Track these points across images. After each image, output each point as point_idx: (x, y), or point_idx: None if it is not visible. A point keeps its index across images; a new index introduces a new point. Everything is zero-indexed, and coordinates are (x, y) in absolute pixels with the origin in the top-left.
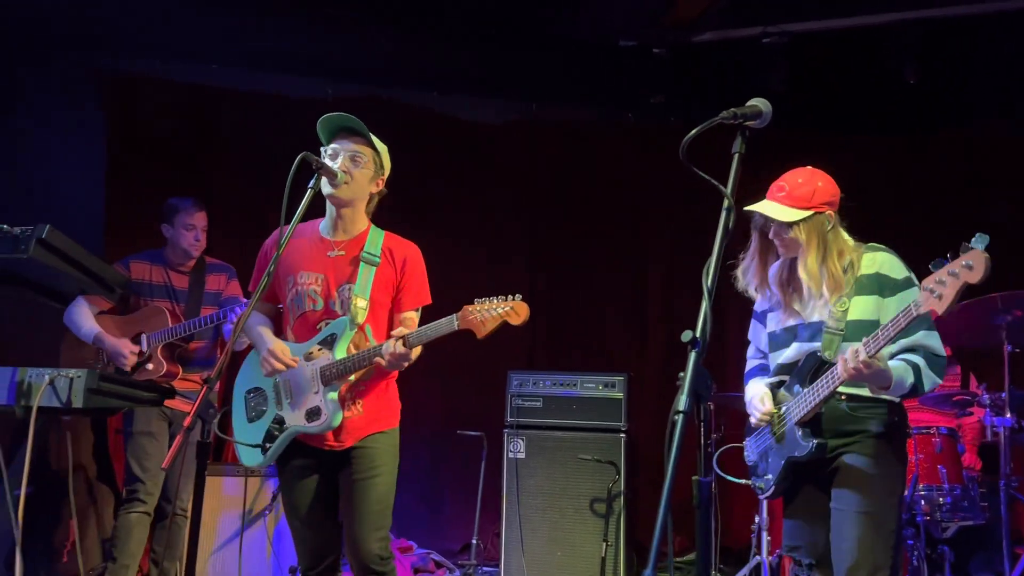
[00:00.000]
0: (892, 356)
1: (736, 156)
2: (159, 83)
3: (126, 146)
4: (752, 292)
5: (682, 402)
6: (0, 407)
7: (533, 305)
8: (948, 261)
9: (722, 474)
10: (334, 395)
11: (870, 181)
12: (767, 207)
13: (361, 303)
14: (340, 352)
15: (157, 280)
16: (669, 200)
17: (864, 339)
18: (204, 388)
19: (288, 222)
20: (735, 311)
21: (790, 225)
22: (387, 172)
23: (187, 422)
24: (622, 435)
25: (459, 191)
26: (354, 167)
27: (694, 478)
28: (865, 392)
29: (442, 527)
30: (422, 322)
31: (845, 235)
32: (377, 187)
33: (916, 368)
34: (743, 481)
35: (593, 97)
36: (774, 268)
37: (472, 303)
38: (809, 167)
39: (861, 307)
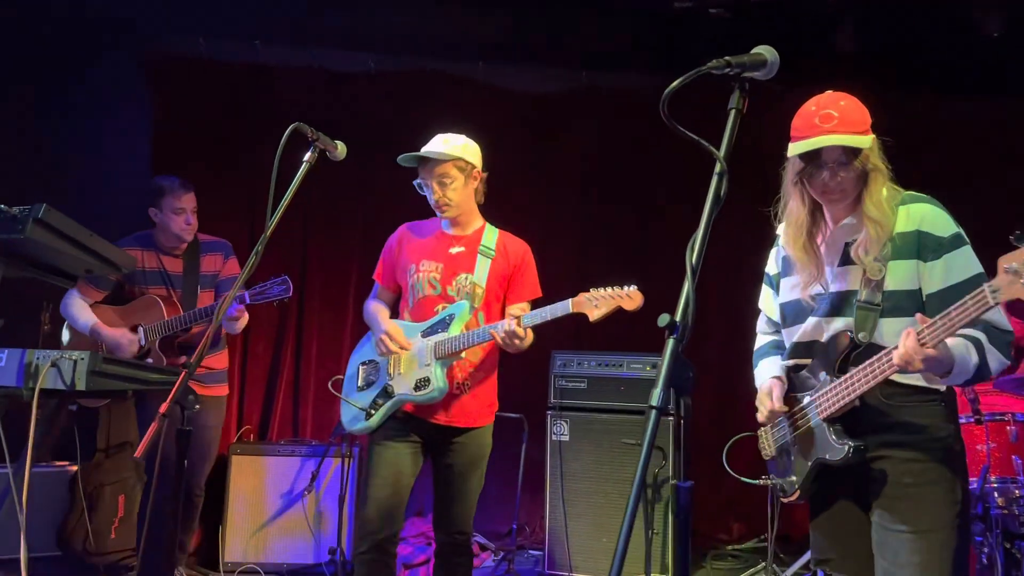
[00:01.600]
0: None
1: (733, 112)
2: (203, 62)
3: (172, 126)
4: (791, 248)
5: (656, 396)
6: (10, 389)
7: (585, 280)
8: None
9: (732, 472)
10: (443, 369)
11: (943, 145)
12: (835, 139)
13: (479, 290)
14: (455, 330)
15: (150, 266)
16: (730, 171)
17: (919, 327)
18: (183, 373)
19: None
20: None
21: (856, 154)
22: (478, 161)
23: (163, 408)
24: (671, 418)
25: (507, 165)
26: (444, 189)
27: (671, 481)
28: (908, 380)
29: (488, 509)
30: None
31: (887, 183)
32: (475, 180)
33: (978, 344)
34: (757, 481)
35: (647, 63)
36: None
37: (587, 291)
38: (840, 92)
39: (899, 274)
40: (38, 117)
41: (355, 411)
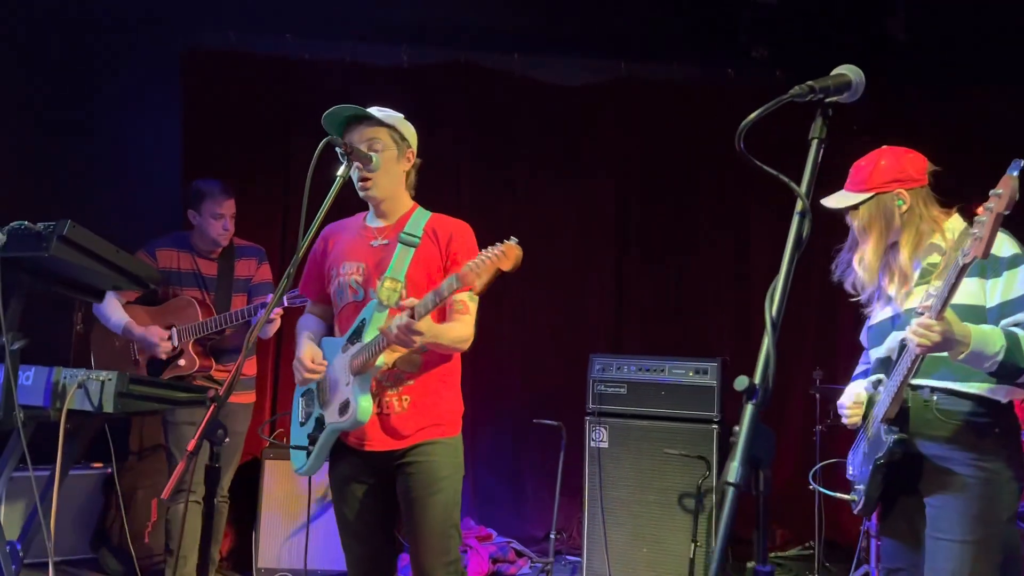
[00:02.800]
0: None
1: (815, 143)
2: (235, 56)
3: (203, 120)
4: (848, 287)
5: (733, 472)
6: (36, 409)
7: (623, 281)
8: None
9: (822, 489)
10: (364, 386)
11: (999, 137)
12: (831, 198)
13: (390, 284)
14: (368, 337)
15: (185, 268)
16: (776, 163)
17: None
18: (212, 407)
19: (312, 216)
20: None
21: (848, 211)
22: (413, 141)
23: (191, 446)
24: (715, 427)
25: (544, 158)
26: (377, 154)
27: (749, 565)
28: (959, 386)
29: (524, 514)
30: (503, 321)
31: (937, 211)
32: (408, 161)
33: (1013, 337)
34: (846, 496)
35: (688, 53)
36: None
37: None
38: (885, 147)
39: (962, 291)
40: (69, 112)
41: (296, 451)
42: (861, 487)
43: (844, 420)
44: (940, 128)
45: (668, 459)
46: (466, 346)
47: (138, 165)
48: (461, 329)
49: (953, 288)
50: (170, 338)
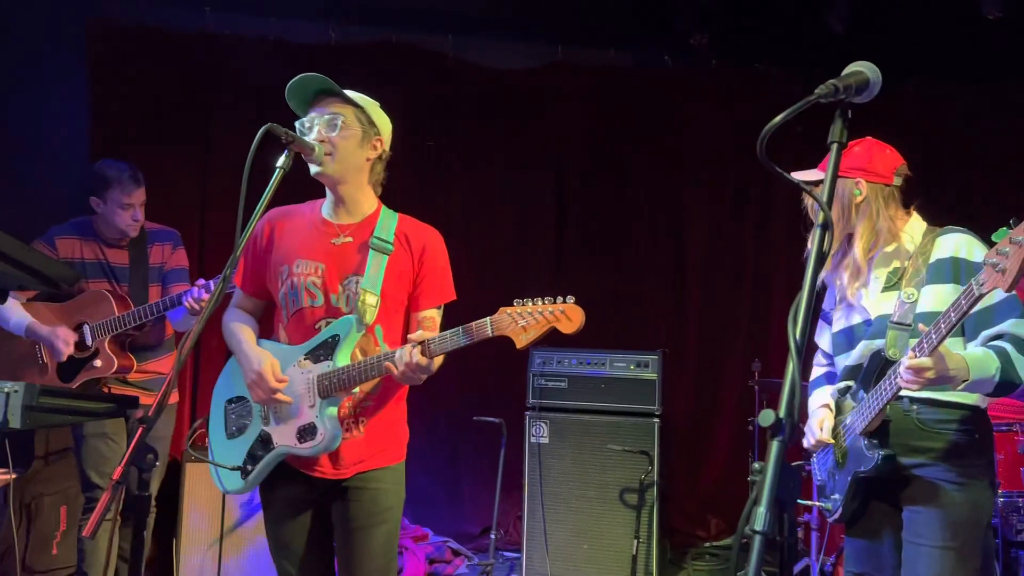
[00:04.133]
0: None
1: (835, 147)
2: (148, 29)
3: (113, 97)
4: (830, 278)
5: (760, 518)
6: None
7: (562, 274)
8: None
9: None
10: (333, 411)
11: (935, 131)
12: (800, 172)
13: (371, 299)
14: (343, 358)
15: (90, 258)
16: (712, 154)
17: (922, 336)
18: (140, 430)
19: (249, 210)
20: None
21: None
22: (384, 130)
23: (117, 474)
24: (656, 420)
25: (480, 145)
26: (332, 133)
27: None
28: (939, 395)
29: (461, 511)
30: (445, 320)
31: (898, 213)
32: (375, 150)
33: (1004, 354)
34: (813, 503)
35: (626, 39)
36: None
37: (512, 304)
38: (870, 137)
39: (934, 297)
40: None
41: (227, 470)
42: (838, 497)
43: (806, 443)
44: (878, 121)
45: (609, 454)
46: None
47: (39, 145)
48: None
49: (963, 317)
50: (81, 338)
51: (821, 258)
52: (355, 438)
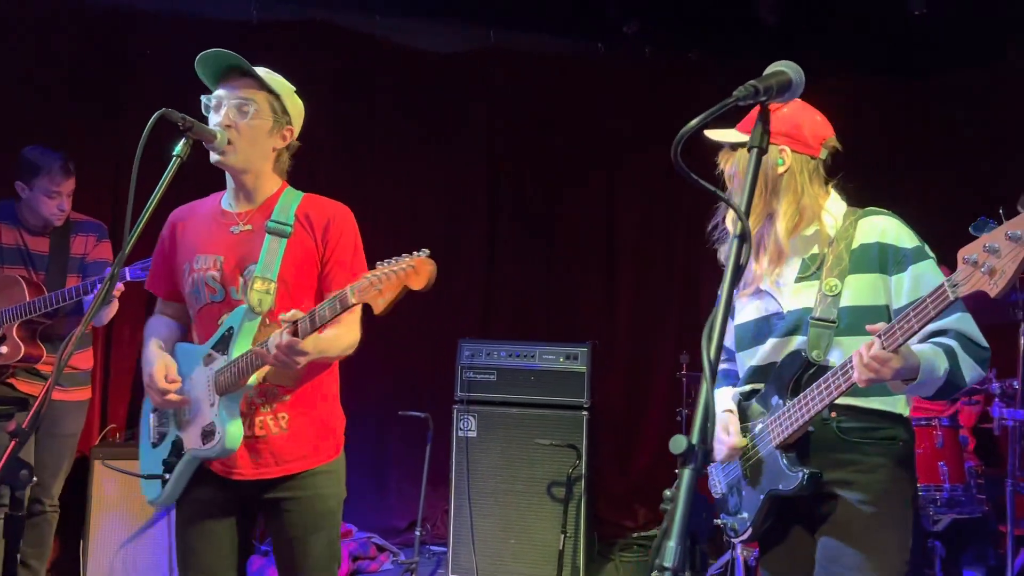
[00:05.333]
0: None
1: (755, 152)
2: (50, 3)
3: (12, 73)
4: (723, 257)
5: (670, 555)
6: None
7: (493, 264)
8: (992, 224)
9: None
10: (233, 408)
11: (861, 122)
12: (715, 131)
13: (261, 286)
14: (239, 350)
15: (7, 242)
16: (643, 144)
17: (879, 332)
18: (12, 444)
19: (142, 201)
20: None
21: (727, 153)
22: (296, 119)
23: None
24: (584, 413)
25: (407, 130)
26: (242, 119)
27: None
28: (863, 402)
29: (386, 506)
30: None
31: (820, 190)
32: (283, 140)
33: (951, 353)
34: (718, 522)
35: (558, 25)
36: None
37: (373, 267)
38: (801, 100)
39: (859, 289)
40: None
41: (148, 480)
42: (746, 516)
43: (716, 453)
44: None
45: (538, 447)
46: (352, 351)
47: None
48: (348, 335)
49: (928, 322)
50: None
51: (738, 271)
52: (277, 435)
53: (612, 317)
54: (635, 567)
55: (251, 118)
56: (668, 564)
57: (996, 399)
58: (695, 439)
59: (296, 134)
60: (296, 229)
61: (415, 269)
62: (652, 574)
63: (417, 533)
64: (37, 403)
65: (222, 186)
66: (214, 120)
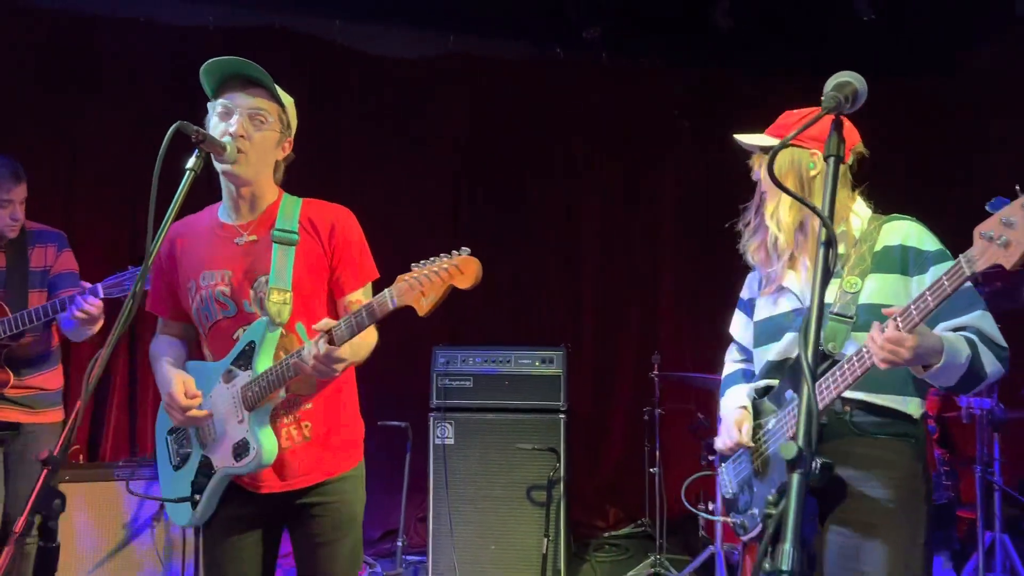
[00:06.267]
0: None
1: (832, 161)
2: (11, 7)
3: None
4: (751, 258)
5: (787, 558)
6: None
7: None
8: (1007, 202)
9: (694, 510)
10: (265, 421)
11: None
12: (747, 136)
13: (278, 296)
14: (263, 364)
15: None
16: (603, 147)
17: (895, 313)
18: (44, 472)
19: (160, 218)
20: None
21: (760, 158)
22: (294, 132)
23: (19, 526)
24: (562, 416)
25: (369, 137)
26: (255, 130)
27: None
28: (878, 400)
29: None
30: None
31: (848, 194)
32: (284, 151)
33: (971, 342)
34: (721, 519)
35: (518, 30)
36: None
37: (409, 270)
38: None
39: (879, 287)
40: None
41: (176, 504)
42: (756, 512)
43: (719, 443)
44: (760, 112)
45: (516, 452)
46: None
47: None
48: (371, 336)
49: (944, 299)
50: None
51: (827, 275)
52: (301, 444)
53: (577, 320)
54: (610, 567)
55: (264, 130)
56: (787, 568)
57: None
58: (800, 439)
59: (292, 146)
60: (302, 236)
61: (459, 268)
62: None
63: (399, 543)
64: (67, 429)
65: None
66: (219, 127)
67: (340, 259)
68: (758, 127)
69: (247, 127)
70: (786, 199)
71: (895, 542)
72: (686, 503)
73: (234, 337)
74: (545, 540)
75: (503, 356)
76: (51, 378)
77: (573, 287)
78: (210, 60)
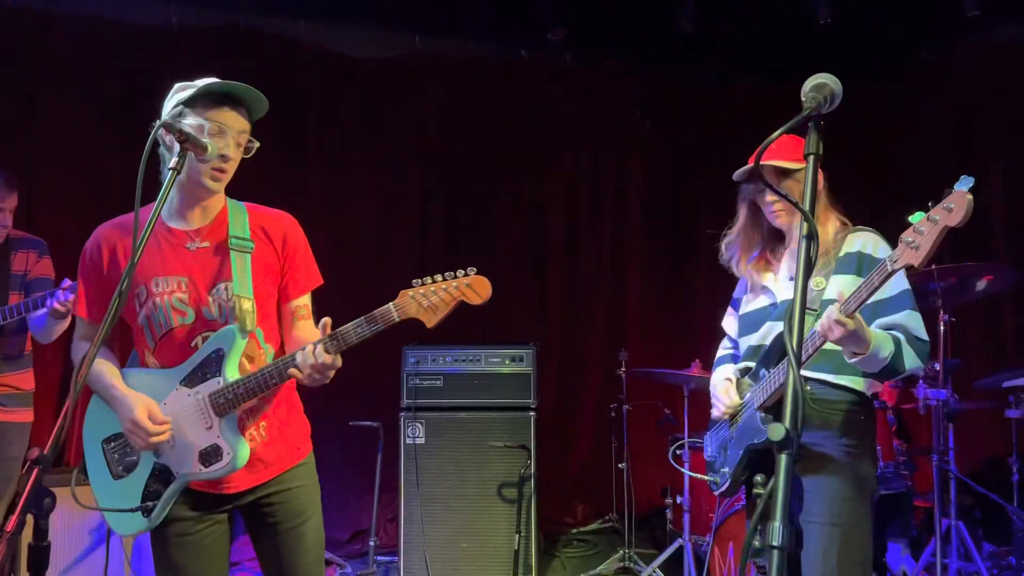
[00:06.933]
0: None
1: (811, 159)
2: None
3: None
4: (734, 267)
5: (777, 534)
6: None
7: (425, 269)
8: (923, 215)
9: (682, 469)
10: (235, 426)
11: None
12: (773, 161)
13: (247, 304)
14: (232, 371)
15: None
16: (565, 147)
17: (841, 300)
18: (35, 471)
19: (142, 220)
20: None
21: (788, 175)
22: None
23: (11, 524)
24: (532, 413)
25: (335, 137)
26: (238, 152)
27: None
28: (834, 379)
29: (328, 519)
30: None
31: (826, 205)
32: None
33: (897, 342)
34: (703, 476)
35: (484, 32)
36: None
37: (411, 286)
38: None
39: (839, 286)
40: None
41: (124, 513)
42: (727, 470)
43: (715, 411)
44: (720, 113)
45: (487, 450)
46: None
47: None
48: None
49: (873, 291)
50: None
51: (809, 267)
52: (259, 442)
53: (544, 318)
54: (580, 562)
55: (240, 154)
56: (778, 543)
57: (920, 380)
58: (787, 421)
59: None
60: (256, 244)
61: (471, 287)
62: (752, 554)
63: (371, 543)
64: (56, 427)
65: None
66: (210, 142)
67: (291, 265)
68: (718, 128)
69: (235, 152)
70: (744, 218)
71: (841, 494)
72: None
73: (192, 344)
74: (517, 536)
75: (473, 355)
76: (23, 379)
77: (540, 286)
78: (210, 81)
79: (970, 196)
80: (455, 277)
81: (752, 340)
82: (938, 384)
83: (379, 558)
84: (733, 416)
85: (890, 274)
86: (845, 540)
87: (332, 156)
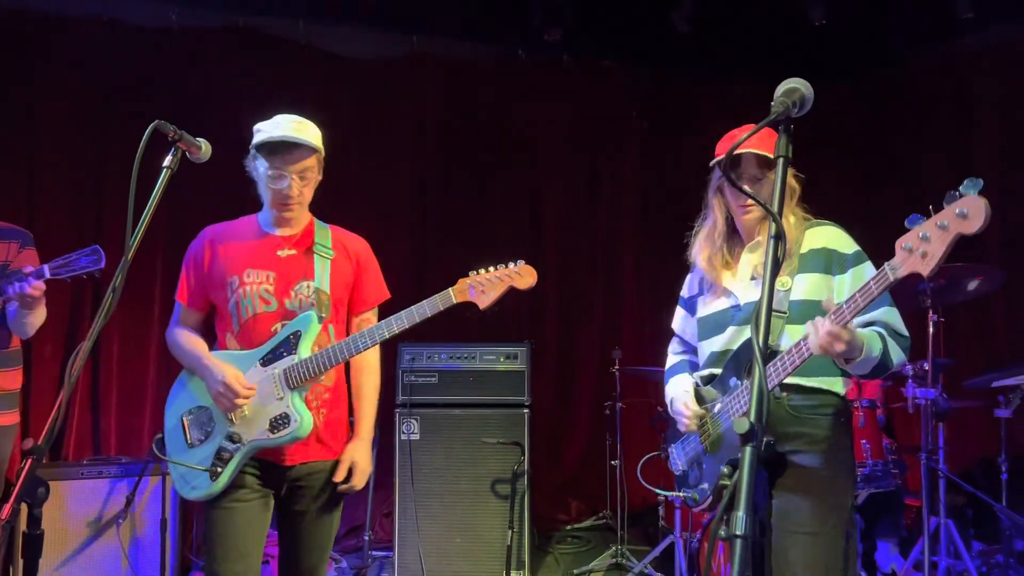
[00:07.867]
0: None
1: (781, 162)
2: None
3: None
4: (701, 263)
5: (739, 523)
6: None
7: (425, 265)
8: (923, 219)
9: (649, 486)
10: (301, 399)
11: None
12: (751, 150)
13: (324, 297)
14: (306, 350)
15: None
16: (564, 146)
17: (832, 309)
18: (29, 462)
19: (138, 212)
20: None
21: (770, 165)
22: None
23: (5, 512)
24: (526, 411)
25: (333, 136)
26: (304, 186)
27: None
28: (810, 382)
29: None
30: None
31: (789, 201)
32: (321, 175)
33: (882, 337)
34: (672, 494)
35: (481, 31)
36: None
37: (467, 275)
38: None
39: (807, 286)
40: None
41: (193, 473)
42: (706, 485)
43: (681, 425)
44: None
45: (481, 447)
46: None
47: None
48: None
49: (871, 301)
50: None
51: (777, 266)
52: (320, 421)
53: (540, 316)
54: (573, 558)
55: (311, 183)
56: (740, 531)
57: (909, 380)
58: (752, 416)
59: None
60: (336, 254)
61: (520, 273)
62: (716, 543)
63: (367, 537)
64: (50, 419)
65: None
66: (273, 182)
67: (363, 280)
68: (714, 127)
69: (299, 187)
70: (713, 213)
71: (821, 503)
72: (642, 482)
73: (272, 329)
74: (510, 532)
75: (468, 352)
76: (10, 378)
77: (536, 283)
78: (266, 139)
79: (986, 201)
80: (506, 267)
81: (715, 345)
82: (927, 383)
83: (374, 553)
84: (701, 427)
85: (891, 283)
86: (828, 547)
87: (331, 156)
